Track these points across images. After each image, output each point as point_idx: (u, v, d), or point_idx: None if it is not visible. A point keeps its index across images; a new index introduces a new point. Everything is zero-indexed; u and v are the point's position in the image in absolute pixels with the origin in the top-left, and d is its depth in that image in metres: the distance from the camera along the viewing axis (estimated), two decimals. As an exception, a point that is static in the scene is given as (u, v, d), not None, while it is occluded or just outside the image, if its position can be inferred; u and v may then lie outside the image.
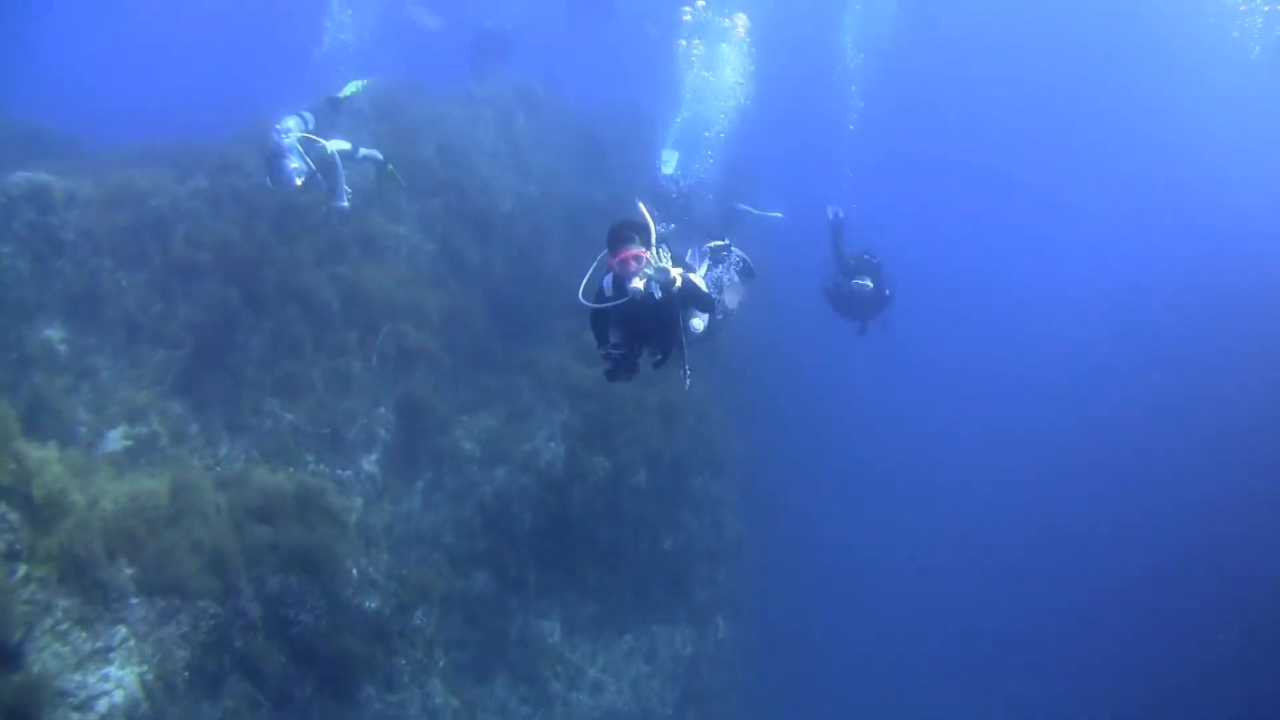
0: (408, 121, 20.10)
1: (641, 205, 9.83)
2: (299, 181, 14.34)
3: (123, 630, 10.15)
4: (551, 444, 16.83)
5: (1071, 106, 38.09)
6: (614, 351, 10.02)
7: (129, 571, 10.50)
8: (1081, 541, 26.12)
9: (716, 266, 12.14)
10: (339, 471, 15.24)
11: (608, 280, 9.76)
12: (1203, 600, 22.09)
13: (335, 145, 15.13)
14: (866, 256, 16.54)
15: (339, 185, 15.24)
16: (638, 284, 9.36)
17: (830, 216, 17.43)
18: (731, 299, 11.58)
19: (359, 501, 15.12)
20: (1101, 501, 26.84)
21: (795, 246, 19.64)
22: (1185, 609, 22.47)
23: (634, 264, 9.38)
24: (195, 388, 14.57)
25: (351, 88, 16.81)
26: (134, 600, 10.40)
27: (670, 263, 9.69)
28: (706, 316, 10.69)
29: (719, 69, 21.23)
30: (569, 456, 16.75)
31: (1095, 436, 29.09)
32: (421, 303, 17.26)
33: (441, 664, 14.45)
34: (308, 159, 14.50)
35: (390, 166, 16.80)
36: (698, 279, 10.28)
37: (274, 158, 14.36)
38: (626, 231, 9.49)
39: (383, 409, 16.26)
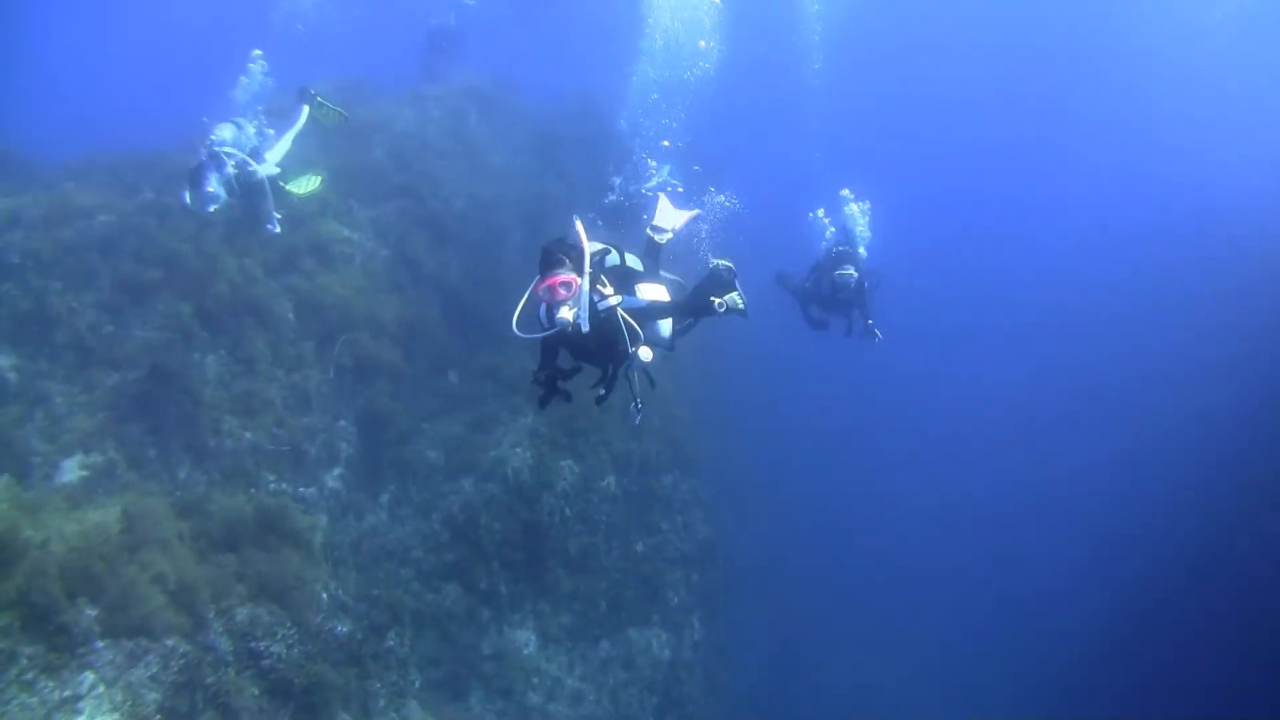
0: (358, 125, 19.65)
1: (578, 223, 8.74)
2: (212, 209, 13.82)
3: (90, 676, 9.76)
4: (518, 450, 16.53)
5: (1044, 72, 37.87)
6: (540, 375, 9.10)
7: (92, 613, 10.11)
8: (1063, 536, 26.00)
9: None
10: (301, 489, 14.90)
11: (544, 307, 8.76)
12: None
13: (267, 169, 14.60)
14: (842, 247, 15.51)
15: (268, 211, 14.78)
16: (565, 314, 8.37)
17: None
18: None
19: (323, 519, 14.77)
20: (1075, 494, 26.77)
21: (762, 234, 19.22)
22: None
23: (561, 291, 8.34)
24: (151, 410, 14.09)
25: (305, 185, 16.32)
26: (99, 643, 10.01)
27: (610, 287, 8.74)
28: (667, 332, 9.69)
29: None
30: (536, 463, 16.47)
31: (1057, 422, 29.09)
32: (378, 311, 16.91)
33: (417, 684, 14.11)
34: (234, 181, 13.98)
35: (317, 96, 16.16)
36: (655, 290, 9.42)
37: (195, 175, 13.78)
38: (556, 254, 8.46)
39: (343, 422, 15.92)
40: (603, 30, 26.86)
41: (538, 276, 8.45)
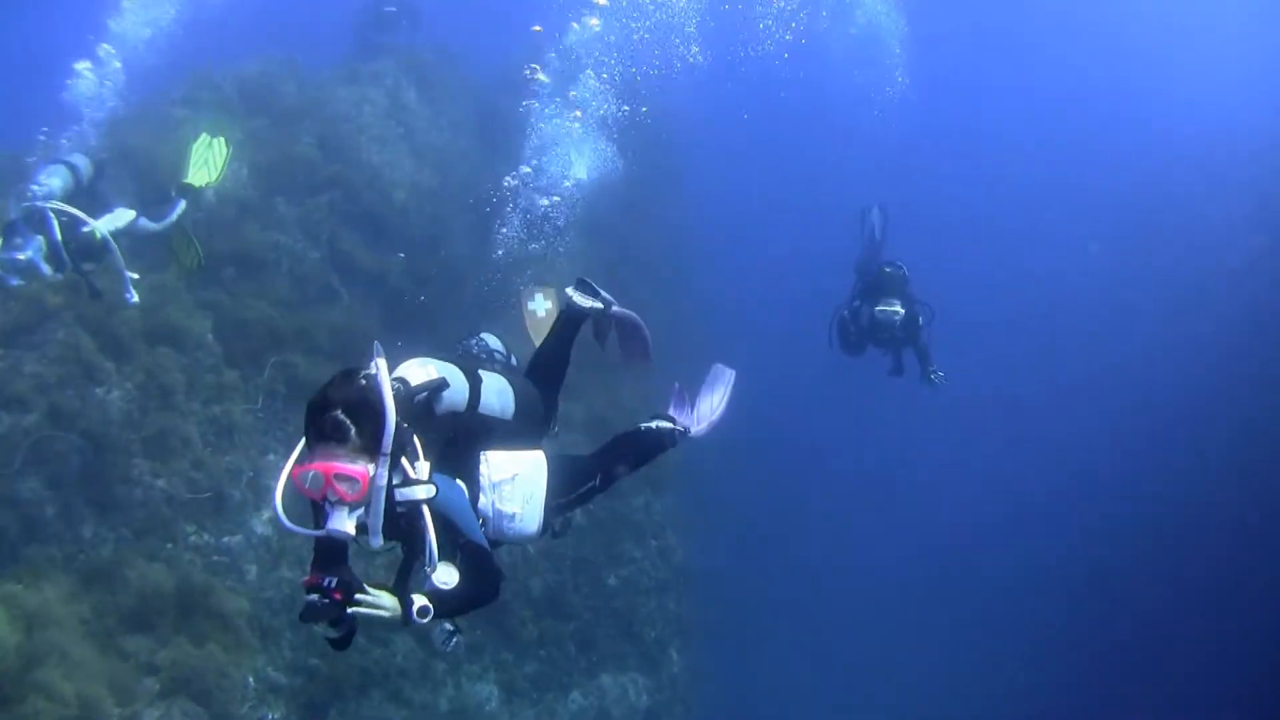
0: (284, 111, 17.81)
1: (380, 362, 4.82)
2: (17, 283, 10.16)
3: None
4: (472, 476, 14.85)
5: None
6: (319, 585, 4.71)
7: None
8: (1075, 562, 24.80)
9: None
10: (225, 539, 13.15)
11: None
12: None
13: (110, 222, 10.81)
14: (890, 268, 12.87)
15: (123, 279, 10.93)
16: (344, 525, 4.61)
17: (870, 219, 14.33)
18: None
19: (253, 570, 13.09)
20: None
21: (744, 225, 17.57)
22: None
23: (340, 488, 4.53)
24: (49, 460, 12.29)
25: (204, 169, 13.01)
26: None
27: (423, 459, 4.92)
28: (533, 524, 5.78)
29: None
30: (493, 490, 14.81)
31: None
32: (310, 325, 15.20)
33: (366, 771, 12.57)
34: (61, 247, 10.15)
35: (189, 237, 12.02)
36: (511, 466, 5.63)
37: (5, 234, 10.16)
38: (334, 419, 4.56)
39: (272, 456, 14.18)
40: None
41: (302, 448, 4.80)
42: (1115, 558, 23.17)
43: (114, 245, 10.49)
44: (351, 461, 4.54)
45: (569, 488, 6.16)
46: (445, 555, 5.01)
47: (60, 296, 13.10)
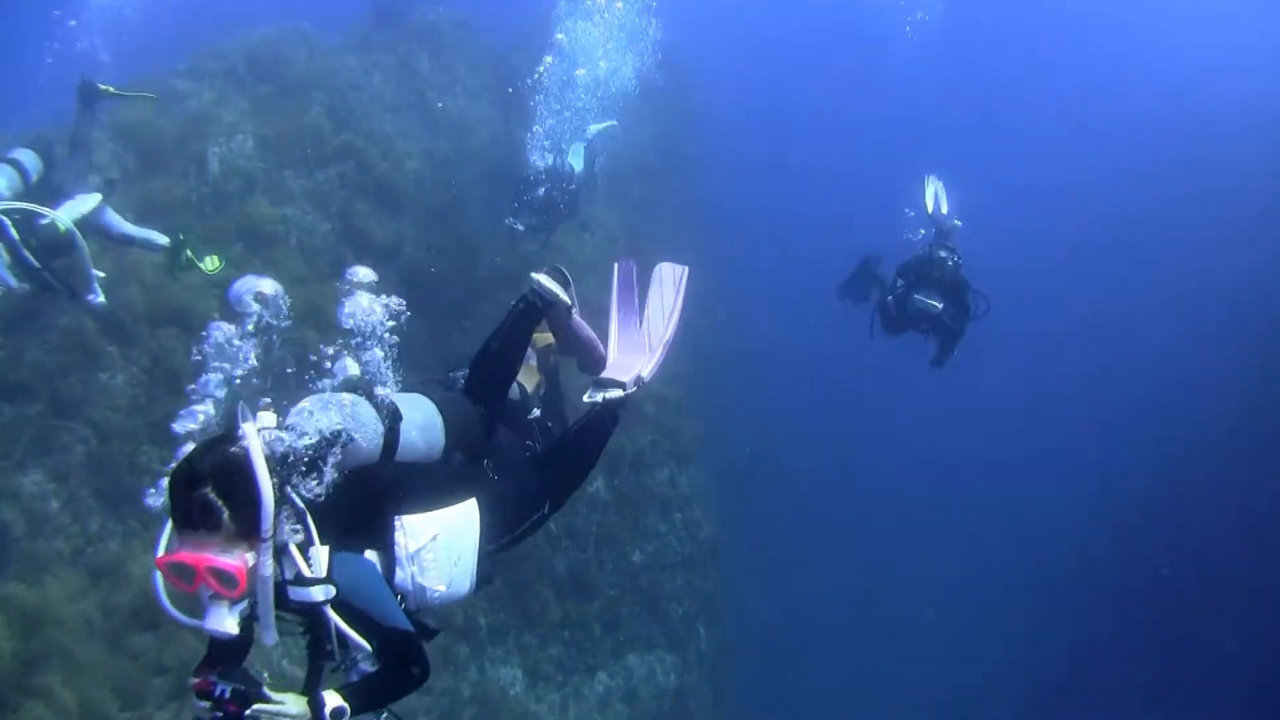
0: (293, 80, 17.30)
1: (248, 428, 3.99)
2: None
3: None
4: (492, 454, 14.45)
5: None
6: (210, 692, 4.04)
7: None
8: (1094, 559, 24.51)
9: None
10: (237, 526, 12.81)
11: None
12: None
13: (73, 209, 10.39)
14: (943, 253, 12.05)
15: (87, 275, 10.60)
16: (224, 625, 3.86)
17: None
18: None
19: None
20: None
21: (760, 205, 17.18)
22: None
23: (213, 582, 3.74)
24: (53, 450, 11.90)
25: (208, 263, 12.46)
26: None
27: (319, 544, 4.12)
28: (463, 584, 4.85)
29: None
30: (514, 469, 14.43)
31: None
32: (321, 300, 14.68)
33: (386, 761, 12.20)
34: (21, 248, 9.68)
35: (185, 247, 12.00)
36: (434, 526, 4.68)
37: None
38: (202, 499, 3.72)
39: (283, 437, 13.77)
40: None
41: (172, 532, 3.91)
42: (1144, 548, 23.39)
43: (80, 238, 10.11)
44: (225, 552, 3.73)
45: (514, 523, 5.31)
46: (345, 655, 4.40)
47: (62, 280, 12.74)
